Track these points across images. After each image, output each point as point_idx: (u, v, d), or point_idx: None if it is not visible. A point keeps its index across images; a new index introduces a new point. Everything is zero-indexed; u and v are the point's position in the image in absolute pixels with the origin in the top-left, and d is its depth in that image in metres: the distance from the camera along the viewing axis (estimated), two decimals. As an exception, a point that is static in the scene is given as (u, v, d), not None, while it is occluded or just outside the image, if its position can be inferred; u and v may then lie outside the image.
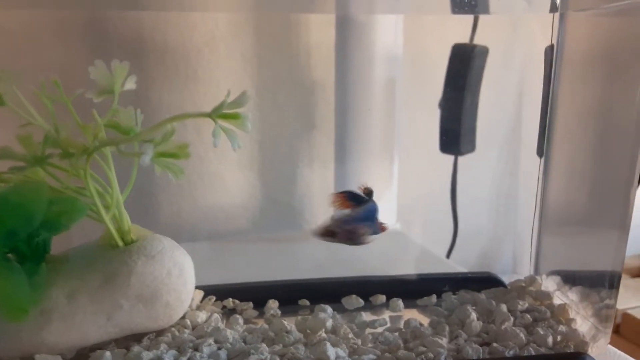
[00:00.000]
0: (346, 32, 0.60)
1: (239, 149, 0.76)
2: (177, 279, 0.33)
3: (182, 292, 0.33)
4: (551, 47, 0.40)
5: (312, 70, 0.69)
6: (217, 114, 0.27)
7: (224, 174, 0.71)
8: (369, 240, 0.35)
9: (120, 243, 0.32)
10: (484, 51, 0.60)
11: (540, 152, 0.43)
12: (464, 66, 0.59)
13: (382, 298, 0.40)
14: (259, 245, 0.61)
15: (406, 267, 0.53)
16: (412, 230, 0.67)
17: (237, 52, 0.66)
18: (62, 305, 0.30)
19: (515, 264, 0.80)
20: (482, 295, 0.39)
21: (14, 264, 0.29)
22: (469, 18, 0.63)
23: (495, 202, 0.79)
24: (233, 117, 0.28)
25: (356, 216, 0.34)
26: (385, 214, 0.65)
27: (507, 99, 0.76)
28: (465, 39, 0.62)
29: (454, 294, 0.40)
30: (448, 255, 0.68)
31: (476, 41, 0.59)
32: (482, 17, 0.60)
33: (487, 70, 0.60)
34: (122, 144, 0.30)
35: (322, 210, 0.73)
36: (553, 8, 0.38)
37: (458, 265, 0.58)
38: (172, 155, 0.29)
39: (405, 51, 0.62)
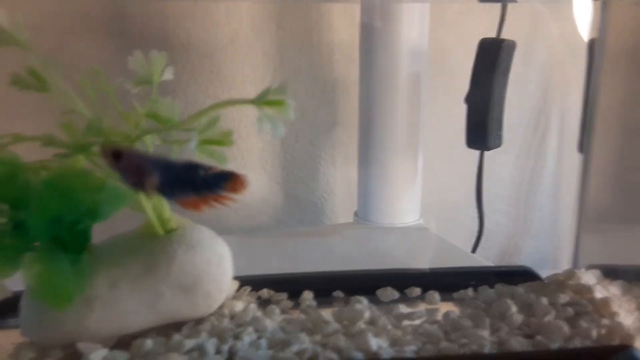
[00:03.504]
0: (370, 27, 0.60)
1: (260, 145, 0.76)
2: (216, 268, 0.33)
3: (221, 281, 0.33)
4: (593, 40, 0.39)
5: (334, 67, 0.69)
6: (262, 101, 0.27)
7: (246, 170, 0.72)
8: (151, 191, 0.28)
9: (161, 232, 0.32)
10: (512, 45, 0.59)
11: (580, 148, 0.42)
12: (492, 61, 0.58)
13: (417, 291, 0.40)
14: (281, 240, 0.61)
15: (432, 261, 0.52)
16: (436, 225, 0.67)
17: (259, 49, 0.66)
18: (104, 293, 0.30)
19: (544, 258, 0.79)
20: (520, 289, 0.39)
21: (59, 252, 0.29)
22: (495, 13, 0.63)
23: (520, 197, 0.79)
24: (277, 103, 0.27)
25: (166, 163, 0.28)
26: (409, 210, 0.65)
27: (541, 93, 0.75)
28: (491, 34, 0.62)
29: (491, 287, 0.40)
30: (474, 250, 0.68)
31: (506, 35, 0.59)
32: (510, 12, 0.60)
33: (515, 65, 0.60)
34: (164, 132, 0.30)
35: (344, 206, 0.73)
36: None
37: (484, 260, 0.57)
38: (217, 143, 0.29)
39: (431, 46, 0.62)
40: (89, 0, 0.59)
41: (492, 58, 0.58)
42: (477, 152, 0.67)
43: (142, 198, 0.31)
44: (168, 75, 0.34)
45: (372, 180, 0.64)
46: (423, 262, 0.49)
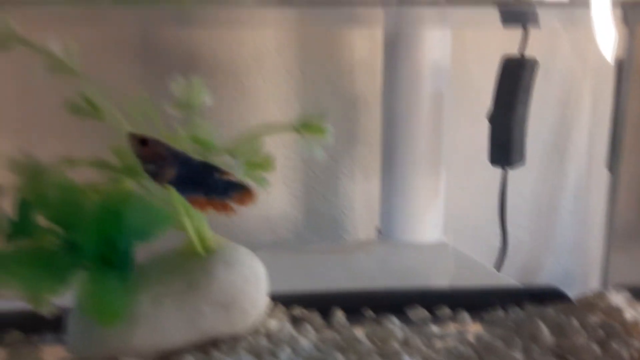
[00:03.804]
0: (393, 46, 0.61)
1: (281, 160, 0.77)
2: (253, 287, 0.34)
3: (257, 299, 0.34)
4: (621, 60, 0.40)
5: (355, 83, 0.71)
6: (304, 127, 0.29)
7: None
8: (163, 184, 0.29)
9: (202, 251, 0.34)
10: (534, 63, 0.60)
11: (609, 166, 0.43)
12: (514, 79, 0.59)
13: (447, 311, 0.40)
14: (306, 256, 0.62)
15: (459, 279, 0.53)
16: (458, 242, 0.67)
17: (282, 67, 0.68)
18: (148, 310, 0.32)
19: (567, 274, 0.78)
20: (550, 310, 0.39)
21: (108, 270, 0.30)
22: (517, 30, 0.63)
23: (542, 213, 0.79)
24: (318, 130, 0.29)
25: (185, 158, 0.29)
26: (432, 226, 0.65)
27: (562, 108, 0.75)
28: (512, 50, 0.62)
29: (521, 307, 0.40)
30: (498, 268, 0.68)
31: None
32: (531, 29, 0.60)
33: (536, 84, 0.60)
34: (208, 155, 0.31)
35: (364, 220, 0.73)
36: (621, 21, 0.38)
37: (511, 279, 0.57)
38: (259, 167, 0.30)
39: (453, 64, 0.63)
40: (117, 21, 0.61)
41: (514, 76, 0.59)
42: (498, 169, 0.67)
43: (185, 219, 0.32)
44: (207, 100, 0.35)
45: (394, 197, 0.64)
46: (450, 280, 0.50)
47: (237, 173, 0.29)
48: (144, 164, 0.29)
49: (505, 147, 0.60)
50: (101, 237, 0.29)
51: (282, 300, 0.40)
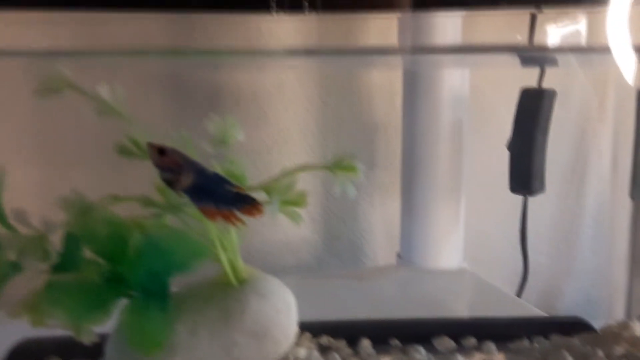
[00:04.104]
0: (413, 75, 0.63)
1: (301, 185, 0.79)
2: (284, 317, 0.35)
3: (288, 328, 0.35)
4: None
5: (374, 111, 0.72)
6: (337, 166, 0.30)
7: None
8: (181, 193, 0.30)
9: (235, 282, 0.35)
10: (552, 94, 0.61)
11: (632, 194, 0.43)
12: (533, 110, 0.60)
13: (473, 340, 0.41)
14: (328, 282, 0.62)
15: (481, 308, 0.53)
16: (479, 268, 0.68)
17: (303, 96, 0.70)
18: (185, 339, 0.33)
19: (587, 300, 0.78)
20: (575, 340, 0.39)
21: (149, 301, 0.31)
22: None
23: (561, 237, 0.79)
24: (350, 168, 0.30)
25: (200, 168, 0.30)
26: (452, 252, 0.66)
27: (580, 134, 0.75)
28: (529, 78, 0.64)
29: (546, 337, 0.40)
30: (519, 294, 0.68)
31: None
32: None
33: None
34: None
35: (383, 245, 0.74)
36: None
37: (532, 306, 0.57)
38: (294, 203, 0.32)
39: (472, 93, 0.64)
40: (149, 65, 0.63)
41: (533, 107, 0.60)
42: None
43: (220, 251, 0.34)
44: (239, 135, 0.37)
45: (415, 222, 0.65)
46: (471, 307, 0.50)
47: (272, 210, 0.30)
48: (161, 172, 0.30)
49: (525, 176, 0.61)
50: (143, 269, 0.31)
51: (309, 329, 0.41)
